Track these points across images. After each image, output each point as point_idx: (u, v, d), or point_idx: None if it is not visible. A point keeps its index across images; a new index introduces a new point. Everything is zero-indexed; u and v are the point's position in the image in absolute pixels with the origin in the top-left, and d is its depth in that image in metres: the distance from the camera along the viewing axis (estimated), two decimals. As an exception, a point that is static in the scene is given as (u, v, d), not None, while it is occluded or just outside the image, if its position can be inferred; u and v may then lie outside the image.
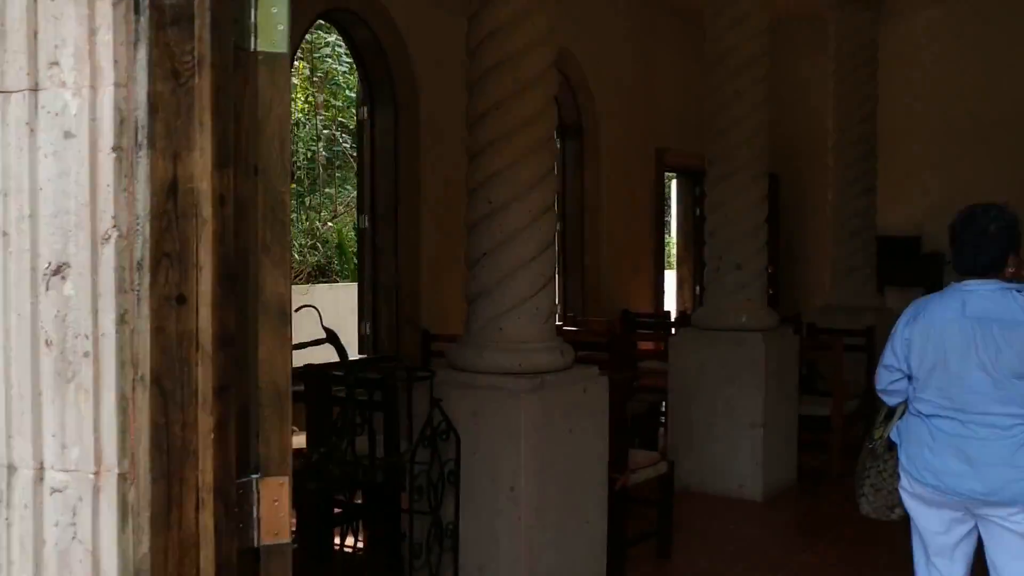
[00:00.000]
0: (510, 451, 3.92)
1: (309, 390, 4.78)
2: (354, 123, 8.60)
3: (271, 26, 1.69)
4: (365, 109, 6.83)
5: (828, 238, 8.29)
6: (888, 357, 3.33)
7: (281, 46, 1.70)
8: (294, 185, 14.51)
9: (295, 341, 2.84)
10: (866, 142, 8.03)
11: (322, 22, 6.75)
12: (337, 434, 4.11)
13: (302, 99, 10.38)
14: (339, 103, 10.64)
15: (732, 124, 5.99)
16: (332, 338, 2.57)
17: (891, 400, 3.38)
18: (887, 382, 3.35)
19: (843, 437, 6.47)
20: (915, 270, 10.15)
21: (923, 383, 3.18)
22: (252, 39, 1.67)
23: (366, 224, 6.90)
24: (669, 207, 12.62)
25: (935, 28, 10.32)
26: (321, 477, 4.17)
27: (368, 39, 6.62)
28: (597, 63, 8.99)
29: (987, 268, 3.10)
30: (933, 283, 10.25)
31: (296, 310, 3.00)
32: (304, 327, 3.03)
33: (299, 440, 5.12)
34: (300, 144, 10.43)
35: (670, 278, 11.63)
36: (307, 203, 10.49)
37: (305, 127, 10.34)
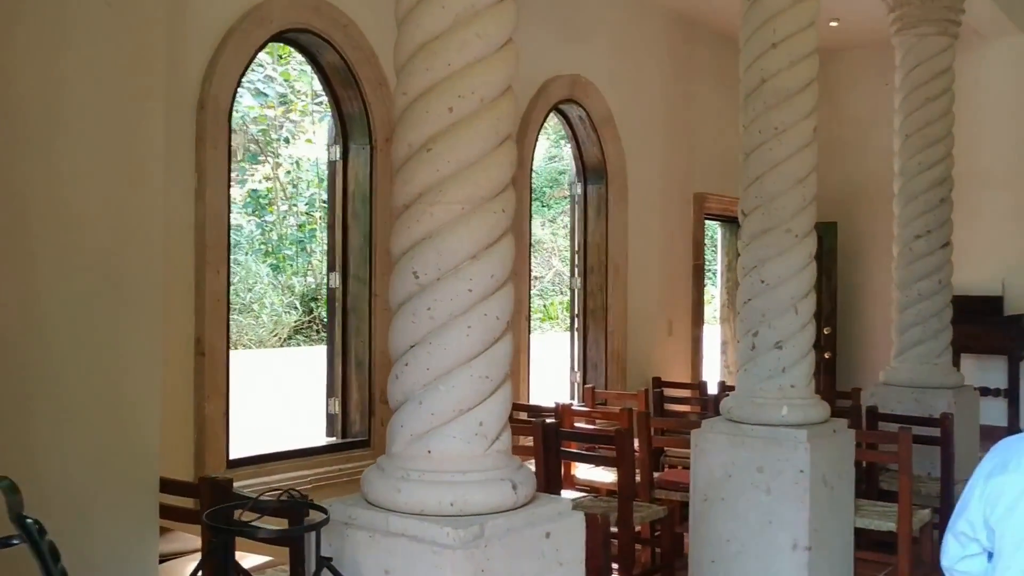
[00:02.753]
0: (435, 627, 2.78)
1: (204, 508, 3.72)
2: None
3: None
4: (336, 148, 5.80)
5: (892, 301, 7.00)
6: (960, 522, 2.22)
7: None
8: (298, 229, 13.71)
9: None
10: (940, 188, 6.76)
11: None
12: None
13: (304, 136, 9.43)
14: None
15: (771, 169, 4.84)
16: (27, 535, 1.47)
17: None
18: (956, 558, 2.24)
19: (912, 556, 5.19)
20: (995, 336, 8.79)
21: (1006, 562, 2.07)
22: None
23: (336, 283, 5.84)
24: (715, 254, 11.39)
25: (1017, 56, 9.05)
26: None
27: (337, 64, 5.61)
28: (624, 96, 7.89)
29: None
30: (1016, 350, 8.90)
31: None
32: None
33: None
34: (302, 185, 9.48)
35: (714, 335, 10.40)
36: (308, 250, 9.51)
37: (302, 166, 9.38)
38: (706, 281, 10.65)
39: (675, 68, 8.63)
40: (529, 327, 7.03)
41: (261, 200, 11.91)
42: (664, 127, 8.48)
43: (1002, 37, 9.00)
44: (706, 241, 9.52)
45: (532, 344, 7.18)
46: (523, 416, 6.49)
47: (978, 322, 8.59)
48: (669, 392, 7.84)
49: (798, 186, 4.85)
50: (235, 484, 4.98)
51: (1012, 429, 8.85)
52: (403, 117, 3.03)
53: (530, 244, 7.06)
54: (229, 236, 4.95)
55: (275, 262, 11.41)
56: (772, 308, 4.83)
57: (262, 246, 11.74)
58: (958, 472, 5.98)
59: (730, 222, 9.73)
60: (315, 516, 2.94)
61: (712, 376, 9.24)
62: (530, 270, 7.13)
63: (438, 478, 2.90)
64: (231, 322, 5.16)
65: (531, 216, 7.17)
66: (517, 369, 6.81)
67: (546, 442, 5.22)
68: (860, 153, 9.76)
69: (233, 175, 5.43)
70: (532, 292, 18.71)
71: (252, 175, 13.84)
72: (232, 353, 5.13)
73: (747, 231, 4.95)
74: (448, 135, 2.93)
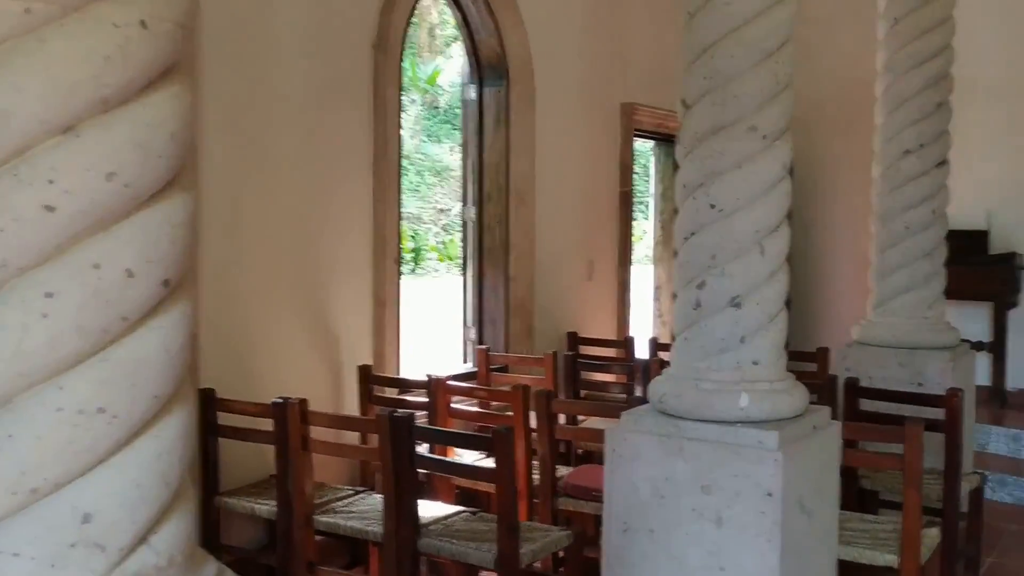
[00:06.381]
0: None
1: None
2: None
3: None
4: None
5: (870, 237, 5.46)
6: None
7: None
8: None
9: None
10: (937, 89, 5.19)
11: None
12: None
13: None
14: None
15: (728, 34, 3.19)
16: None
17: None
18: None
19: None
20: (978, 278, 7.34)
21: None
22: None
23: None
24: (648, 181, 9.75)
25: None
26: None
27: None
28: (531, -27, 6.13)
29: None
30: (1004, 296, 7.50)
31: None
32: None
33: None
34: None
35: (645, 278, 8.84)
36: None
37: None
38: (636, 214, 9.12)
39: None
40: (399, 270, 5.30)
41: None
42: (583, 16, 6.74)
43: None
44: (636, 165, 7.89)
45: (405, 292, 5.47)
46: (386, 394, 4.83)
47: (959, 262, 7.12)
48: (589, 351, 6.26)
49: (767, 61, 3.22)
50: None
51: (996, 390, 7.48)
52: None
53: (399, 159, 5.30)
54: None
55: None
56: (727, 246, 3.22)
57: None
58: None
59: (666, 141, 8.08)
60: None
61: (644, 331, 7.66)
62: (399, 196, 5.36)
63: None
64: None
65: (400, 123, 5.39)
66: (380, 328, 5.11)
67: (396, 444, 3.56)
68: (818, 61, 8.16)
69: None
70: (435, 229, 16.80)
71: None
72: None
73: (690, 130, 3.30)
74: None
